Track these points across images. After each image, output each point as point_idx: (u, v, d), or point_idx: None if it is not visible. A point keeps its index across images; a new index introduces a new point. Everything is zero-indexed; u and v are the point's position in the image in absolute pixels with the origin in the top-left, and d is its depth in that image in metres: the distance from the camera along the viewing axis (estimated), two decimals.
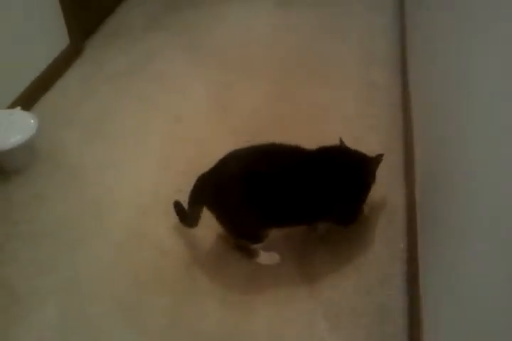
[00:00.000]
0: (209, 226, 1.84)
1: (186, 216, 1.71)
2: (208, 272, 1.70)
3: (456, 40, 1.70)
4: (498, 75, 1.19)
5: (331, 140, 1.71)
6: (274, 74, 2.67)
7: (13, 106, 2.17)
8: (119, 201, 1.96)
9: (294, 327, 1.54)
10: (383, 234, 1.82)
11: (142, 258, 1.75)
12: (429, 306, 1.44)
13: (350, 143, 1.73)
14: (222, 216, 1.58)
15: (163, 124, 2.35)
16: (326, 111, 2.38)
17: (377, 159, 1.68)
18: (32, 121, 2.00)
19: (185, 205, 1.71)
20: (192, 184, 1.88)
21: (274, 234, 1.68)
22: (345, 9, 3.28)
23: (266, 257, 1.69)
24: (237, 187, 1.47)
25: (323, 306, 1.59)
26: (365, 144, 1.88)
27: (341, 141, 1.73)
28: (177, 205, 1.72)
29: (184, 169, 2.09)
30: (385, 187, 2.01)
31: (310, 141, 1.63)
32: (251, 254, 1.69)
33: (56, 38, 2.60)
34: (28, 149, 2.03)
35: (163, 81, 2.64)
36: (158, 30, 3.07)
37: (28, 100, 2.33)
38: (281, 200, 1.50)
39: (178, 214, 1.74)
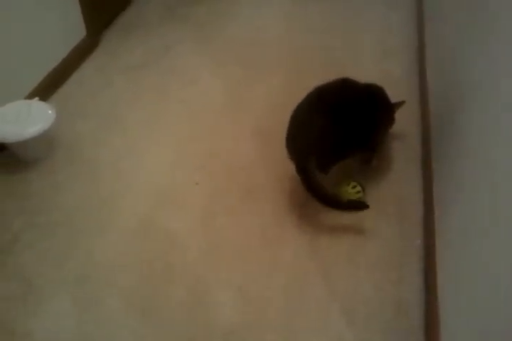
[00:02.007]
0: (227, 217, 1.86)
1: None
2: (222, 263, 1.71)
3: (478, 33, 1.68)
4: None
5: None
6: (288, 69, 2.65)
7: (30, 96, 2.18)
8: (134, 192, 1.97)
9: (309, 320, 1.54)
10: (400, 229, 1.81)
11: (156, 249, 1.75)
12: (447, 301, 1.43)
13: None
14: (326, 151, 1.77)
15: (177, 117, 2.35)
16: None
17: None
18: (50, 111, 2.01)
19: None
20: (206, 177, 1.90)
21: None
22: (358, 3, 3.26)
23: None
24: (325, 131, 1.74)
25: (339, 300, 1.59)
26: None
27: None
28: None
29: (199, 162, 2.10)
30: (401, 182, 2.00)
31: None
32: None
33: (73, 30, 2.60)
34: (45, 139, 2.05)
35: (178, 74, 2.63)
36: (174, 23, 3.06)
37: (45, 91, 2.34)
38: (353, 128, 1.75)
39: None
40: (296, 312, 1.56)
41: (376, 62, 2.68)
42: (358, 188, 1.83)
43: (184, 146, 2.18)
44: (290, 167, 1.95)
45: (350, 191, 1.83)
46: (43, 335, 1.51)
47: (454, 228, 1.52)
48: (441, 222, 1.68)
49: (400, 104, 2.05)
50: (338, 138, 1.74)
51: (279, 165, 2.03)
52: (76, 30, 2.63)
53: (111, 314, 1.56)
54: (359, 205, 1.76)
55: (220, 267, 1.69)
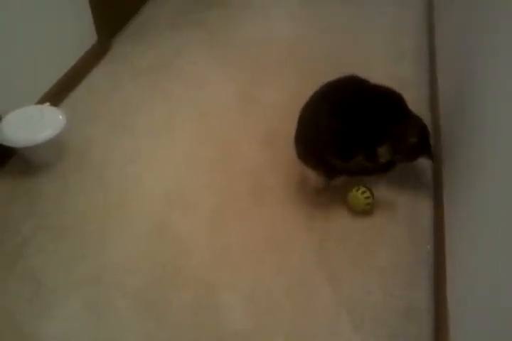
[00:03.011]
0: (235, 220, 1.86)
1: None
2: (230, 267, 1.70)
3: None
4: None
5: None
6: (298, 72, 2.65)
7: (41, 102, 2.21)
8: (144, 195, 1.98)
9: (317, 325, 1.53)
10: (409, 234, 1.80)
11: (166, 252, 1.76)
12: (456, 307, 1.41)
13: None
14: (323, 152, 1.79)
15: (188, 121, 2.36)
16: None
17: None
18: (60, 116, 2.03)
19: None
20: (217, 180, 1.90)
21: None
22: (369, 4, 3.27)
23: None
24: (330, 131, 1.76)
25: (346, 305, 1.58)
26: None
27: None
28: None
29: (208, 166, 2.11)
30: (411, 187, 1.99)
31: None
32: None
33: (84, 35, 2.63)
34: (56, 144, 2.07)
35: (190, 78, 2.65)
36: (185, 28, 3.08)
37: (56, 96, 2.36)
38: (360, 128, 1.75)
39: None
40: (304, 316, 1.56)
41: (386, 65, 2.68)
42: (368, 194, 1.82)
43: (193, 150, 2.19)
44: (299, 170, 1.95)
45: (360, 196, 1.82)
46: (51, 337, 1.51)
47: (464, 233, 1.51)
48: (451, 227, 1.66)
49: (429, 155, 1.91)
50: (341, 137, 1.74)
51: (287, 169, 2.03)
52: (87, 36, 2.66)
53: (119, 317, 1.57)
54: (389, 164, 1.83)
55: (228, 271, 1.69)
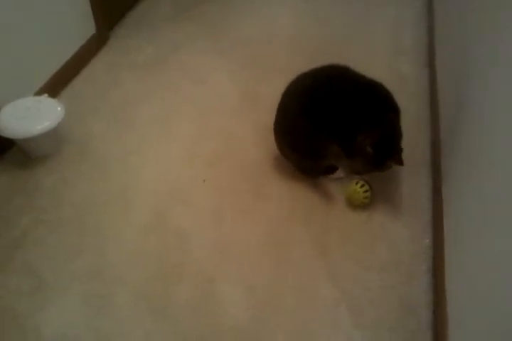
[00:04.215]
0: (235, 215, 1.86)
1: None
2: (231, 261, 1.70)
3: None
4: None
5: None
6: (298, 67, 2.62)
7: (39, 93, 2.19)
8: (143, 188, 1.97)
9: (317, 319, 1.54)
10: (408, 229, 1.80)
11: (165, 245, 1.76)
12: (455, 301, 1.42)
13: None
14: (290, 141, 1.89)
15: (187, 114, 2.35)
16: None
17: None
18: (59, 108, 2.02)
19: None
20: (214, 175, 1.91)
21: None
22: (370, 1, 3.25)
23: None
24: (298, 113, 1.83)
25: (346, 300, 1.58)
26: None
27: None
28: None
29: (208, 159, 2.10)
30: (410, 181, 1.99)
31: None
32: (316, 176, 1.98)
33: (83, 27, 2.61)
34: (54, 136, 2.05)
35: (188, 71, 2.63)
36: (184, 21, 3.05)
37: (54, 87, 2.34)
38: (331, 115, 1.76)
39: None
40: (304, 310, 1.56)
41: (387, 62, 2.66)
42: (366, 187, 1.83)
43: (193, 144, 2.18)
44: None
45: (359, 190, 1.82)
46: (51, 330, 1.51)
47: (463, 228, 1.51)
48: (449, 222, 1.67)
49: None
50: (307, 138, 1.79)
51: (287, 164, 2.02)
52: (86, 27, 2.63)
53: (120, 310, 1.56)
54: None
55: (228, 265, 1.69)
